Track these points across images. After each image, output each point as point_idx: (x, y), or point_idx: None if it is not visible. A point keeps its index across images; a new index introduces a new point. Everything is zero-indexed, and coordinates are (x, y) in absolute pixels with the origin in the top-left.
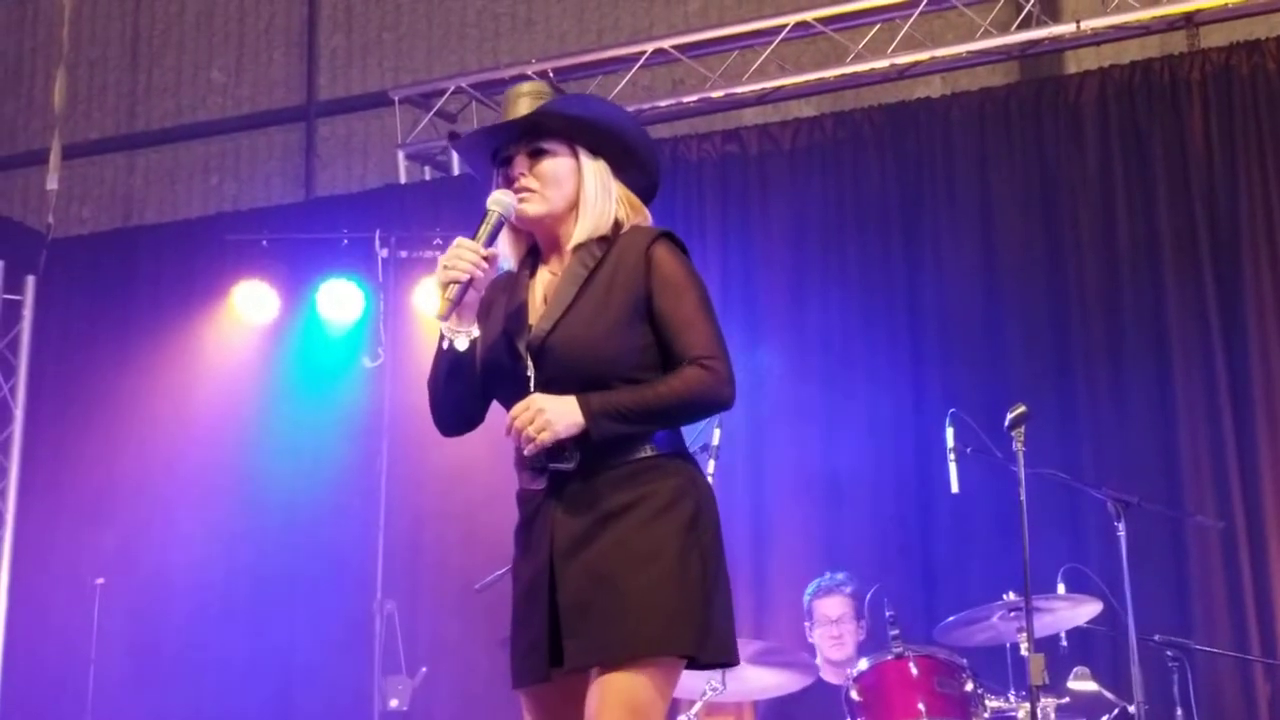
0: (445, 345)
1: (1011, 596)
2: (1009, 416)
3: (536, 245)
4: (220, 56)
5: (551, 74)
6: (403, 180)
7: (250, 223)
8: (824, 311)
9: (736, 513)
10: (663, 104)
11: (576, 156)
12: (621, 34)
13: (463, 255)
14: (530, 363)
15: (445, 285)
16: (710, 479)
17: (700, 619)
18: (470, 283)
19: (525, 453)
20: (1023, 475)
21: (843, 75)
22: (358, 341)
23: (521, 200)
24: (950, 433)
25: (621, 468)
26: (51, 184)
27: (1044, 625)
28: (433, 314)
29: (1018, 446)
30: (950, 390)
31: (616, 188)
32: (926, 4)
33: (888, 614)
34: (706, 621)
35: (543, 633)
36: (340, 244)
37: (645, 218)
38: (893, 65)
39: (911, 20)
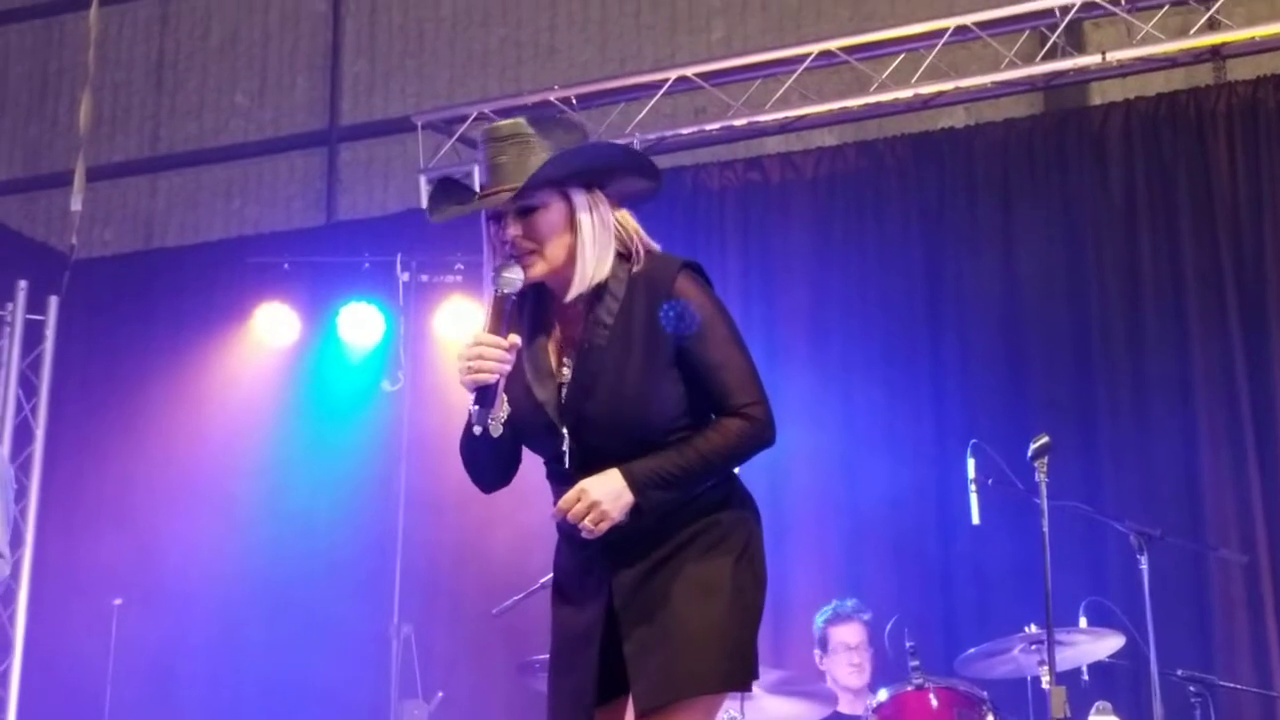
0: (479, 432)
1: (1033, 629)
2: (1032, 447)
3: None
4: (244, 81)
5: (574, 101)
6: (424, 205)
7: (272, 246)
8: (845, 341)
9: None
10: (685, 131)
11: (568, 199)
12: (644, 62)
13: (486, 354)
14: (567, 436)
15: (475, 388)
16: None
17: (750, 652)
18: (500, 378)
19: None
20: (1045, 506)
21: (866, 105)
22: (378, 365)
23: (526, 264)
24: (972, 463)
25: (665, 519)
26: (75, 205)
27: (1066, 658)
28: (467, 406)
29: (1040, 477)
30: (972, 421)
31: (613, 217)
32: (951, 34)
33: (908, 645)
34: (753, 654)
35: (590, 679)
36: (361, 268)
37: (650, 244)
38: (916, 95)
39: (935, 50)
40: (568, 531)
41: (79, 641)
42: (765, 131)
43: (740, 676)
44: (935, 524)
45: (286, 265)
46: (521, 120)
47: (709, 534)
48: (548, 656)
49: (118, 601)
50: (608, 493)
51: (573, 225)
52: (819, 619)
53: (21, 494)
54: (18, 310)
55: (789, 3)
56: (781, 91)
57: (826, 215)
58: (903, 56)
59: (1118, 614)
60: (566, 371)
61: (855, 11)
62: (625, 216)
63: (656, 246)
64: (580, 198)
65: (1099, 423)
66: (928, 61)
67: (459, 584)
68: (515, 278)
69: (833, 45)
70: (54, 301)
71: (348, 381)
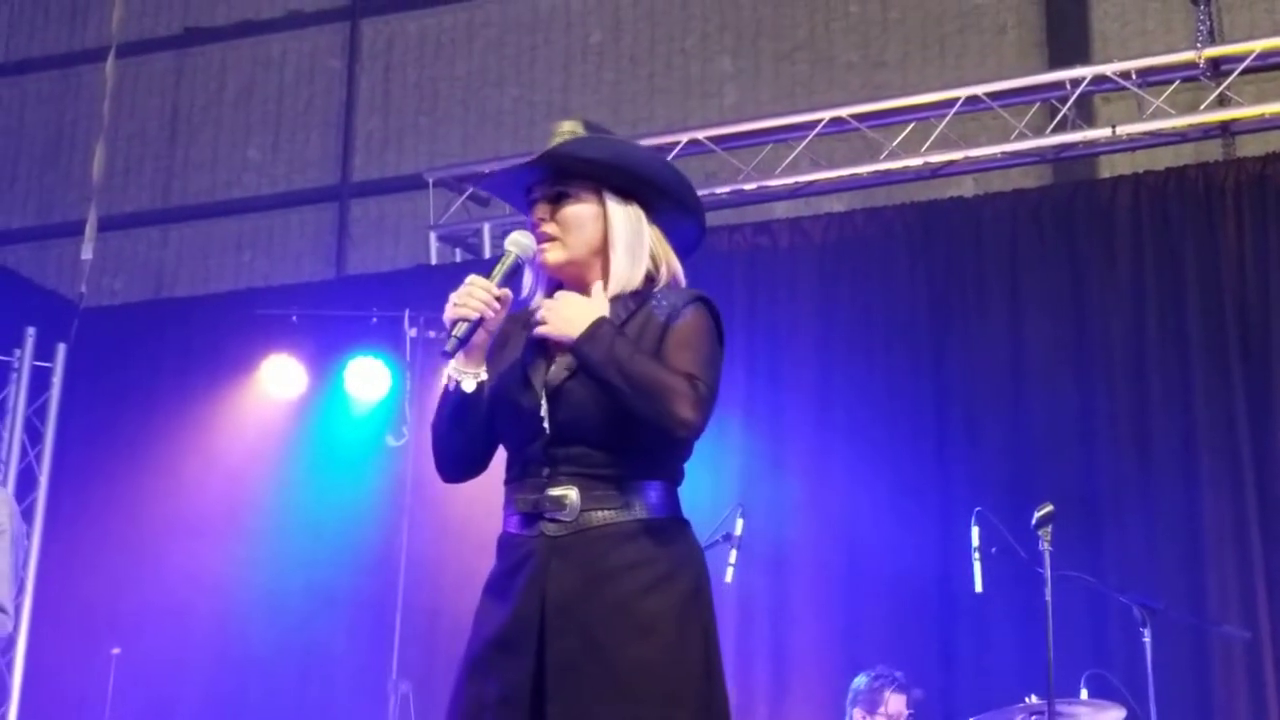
0: (451, 386)
1: (1034, 699)
2: (1036, 515)
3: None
4: (258, 135)
5: None
6: (434, 261)
7: (281, 298)
8: (850, 408)
9: (758, 605)
10: None
11: (603, 201)
12: (656, 125)
13: (474, 293)
14: (545, 402)
15: (454, 323)
16: (731, 569)
17: (700, 701)
18: (480, 322)
19: (536, 332)
20: (1049, 576)
21: (876, 172)
22: (383, 420)
23: (542, 247)
24: (975, 532)
25: (620, 526)
26: (86, 254)
27: None
28: (440, 351)
29: (1044, 546)
30: (976, 489)
31: (651, 234)
32: (961, 104)
33: (911, 690)
34: (709, 703)
35: (526, 687)
36: (369, 322)
37: (678, 271)
38: (926, 164)
39: (946, 120)
40: (514, 510)
41: (77, 690)
42: (775, 196)
43: None
44: (937, 592)
45: (295, 318)
46: (581, 122)
47: (650, 569)
48: (463, 660)
49: (116, 651)
50: (572, 310)
51: (604, 225)
52: (869, 679)
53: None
54: (25, 357)
55: (801, 70)
56: (792, 157)
57: (833, 281)
58: (913, 125)
59: (1119, 686)
60: (560, 359)
61: (867, 80)
62: (661, 239)
63: (684, 282)
64: (615, 202)
65: (1103, 493)
66: (938, 131)
67: (458, 643)
68: (527, 243)
69: (844, 112)
70: (62, 349)
71: (352, 435)
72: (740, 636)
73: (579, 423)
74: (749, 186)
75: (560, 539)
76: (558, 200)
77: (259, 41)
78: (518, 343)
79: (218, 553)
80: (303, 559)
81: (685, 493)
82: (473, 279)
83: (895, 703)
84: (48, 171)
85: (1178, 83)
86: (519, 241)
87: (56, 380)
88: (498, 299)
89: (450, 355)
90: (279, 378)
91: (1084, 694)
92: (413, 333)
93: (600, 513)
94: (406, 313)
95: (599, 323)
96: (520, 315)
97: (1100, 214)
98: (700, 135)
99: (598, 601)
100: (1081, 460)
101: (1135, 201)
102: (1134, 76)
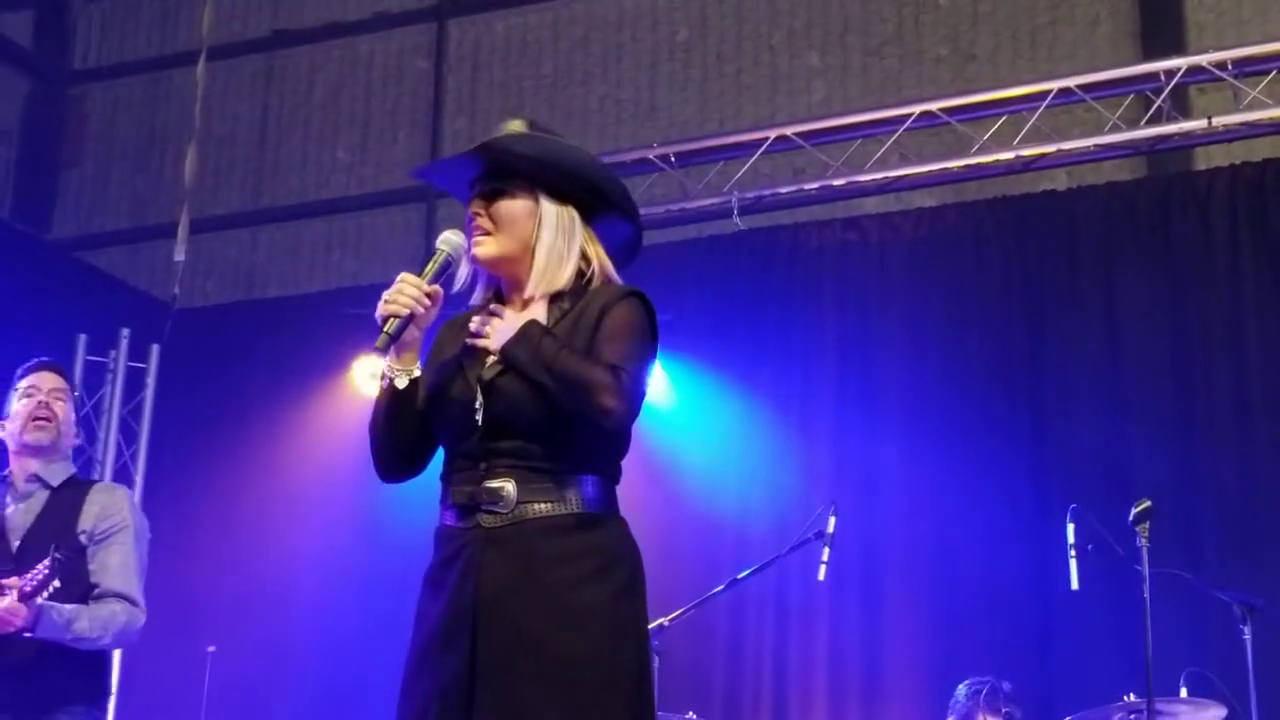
0: (385, 384)
1: (1132, 698)
2: (1133, 512)
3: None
4: (346, 137)
5: (673, 158)
6: None
7: (370, 297)
8: (943, 404)
9: (850, 603)
10: (784, 191)
11: (537, 200)
12: (744, 121)
13: (405, 290)
14: (480, 397)
15: (384, 319)
16: (824, 566)
17: (631, 694)
18: (410, 319)
19: (467, 340)
20: (1147, 573)
21: (966, 166)
22: None
23: (475, 240)
24: (1071, 529)
25: (557, 518)
26: (179, 256)
27: None
28: (369, 349)
29: (1142, 542)
30: (1072, 485)
31: (584, 235)
32: (1054, 97)
33: (1004, 710)
34: (640, 697)
35: (463, 680)
36: None
37: (611, 271)
38: (1018, 157)
39: (1038, 113)
40: (449, 502)
41: (173, 688)
42: (864, 192)
43: (611, 716)
44: (1033, 589)
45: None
46: (526, 121)
47: (585, 561)
48: (408, 657)
49: (212, 649)
50: (506, 324)
51: (536, 224)
52: (967, 691)
53: None
54: (120, 358)
55: (889, 64)
56: (881, 152)
57: (925, 277)
58: (1004, 118)
59: (1219, 685)
60: (490, 358)
61: (956, 74)
62: (593, 240)
63: (618, 281)
64: (549, 201)
65: (1202, 489)
66: (1030, 124)
67: None
68: (457, 240)
69: (934, 106)
70: (155, 350)
71: None
72: (833, 634)
73: (513, 416)
74: (838, 182)
75: (496, 530)
76: (493, 196)
77: (347, 43)
78: (455, 347)
79: (311, 550)
80: (395, 556)
81: (777, 491)
82: (404, 277)
83: None
84: (140, 175)
85: (1274, 73)
86: (450, 240)
87: (150, 380)
88: (428, 295)
89: (382, 351)
90: (369, 377)
91: (1184, 692)
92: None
93: (537, 505)
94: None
95: (528, 325)
96: (458, 320)
97: (1196, 206)
98: (788, 131)
99: (530, 592)
100: (1179, 456)
101: (1232, 193)
102: (1230, 67)
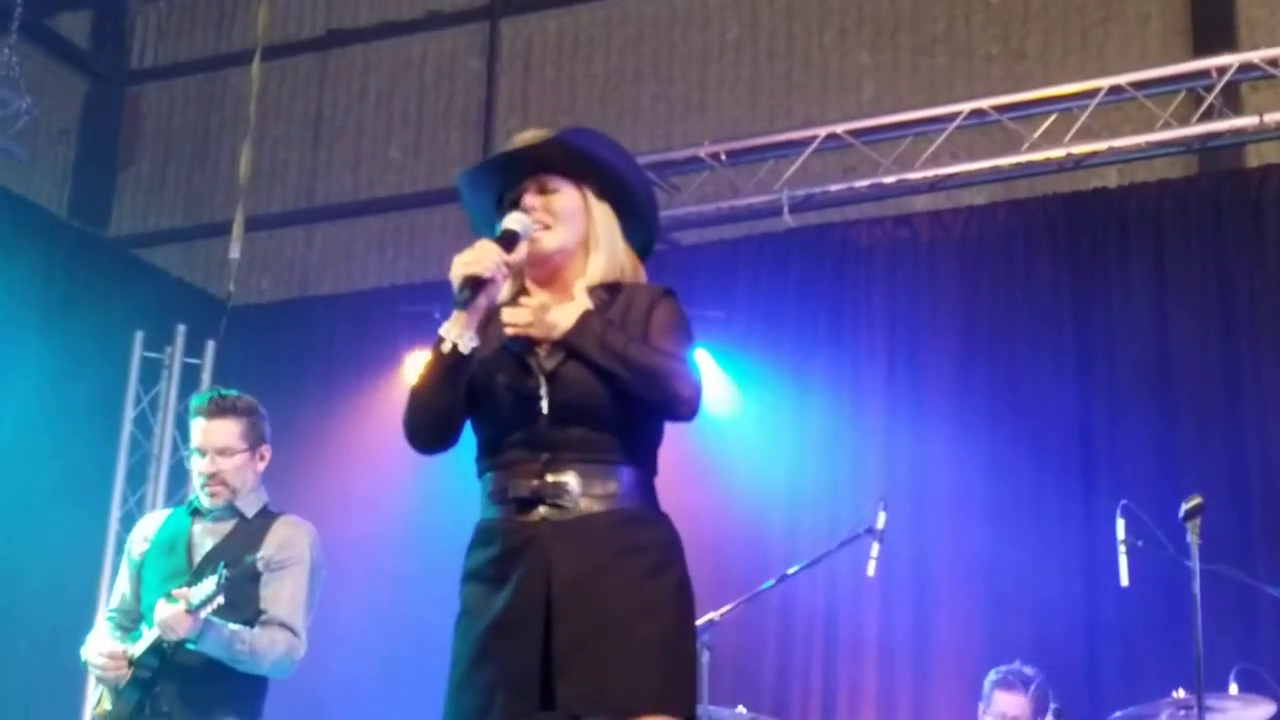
0: (446, 349)
1: (1181, 694)
2: (1184, 508)
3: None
4: (399, 136)
5: (724, 157)
6: None
7: (424, 295)
8: (993, 401)
9: (899, 598)
10: (834, 189)
11: (585, 197)
12: (794, 120)
13: (487, 253)
14: (545, 383)
15: (465, 279)
16: (873, 562)
17: (693, 684)
18: (487, 284)
19: (508, 331)
20: (1197, 569)
21: (1017, 164)
22: None
23: (537, 233)
24: (1121, 524)
25: (618, 512)
26: (234, 253)
27: None
28: (444, 320)
29: (1192, 539)
30: (1122, 482)
31: (622, 240)
32: (1105, 95)
33: (1053, 707)
34: (695, 688)
35: (535, 670)
36: None
37: (641, 274)
38: (1069, 155)
39: (1089, 111)
40: (505, 497)
41: None
42: (915, 190)
43: (679, 704)
44: (1083, 585)
45: (437, 314)
46: (543, 130)
47: (648, 554)
48: (457, 651)
49: None
50: (555, 313)
51: (586, 220)
52: (992, 675)
53: None
54: (176, 354)
55: (940, 63)
56: (931, 150)
57: (975, 275)
58: (1055, 116)
59: (1270, 682)
60: (544, 347)
61: (1007, 72)
62: (626, 246)
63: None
64: (595, 200)
65: (1252, 485)
66: (1080, 121)
67: None
68: (528, 221)
69: (984, 104)
70: (211, 346)
71: None
72: (883, 629)
73: (579, 406)
74: (888, 180)
75: (562, 524)
76: (545, 194)
77: (399, 43)
78: (496, 334)
79: (363, 545)
80: (448, 552)
81: (827, 488)
82: (483, 242)
83: (1005, 703)
84: (196, 173)
85: None
86: (520, 219)
87: (206, 377)
88: (507, 263)
89: (463, 307)
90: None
91: (1233, 688)
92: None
93: (598, 500)
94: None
95: (586, 315)
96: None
97: (1248, 204)
98: (839, 129)
99: (605, 584)
100: (1229, 452)
101: None
102: None
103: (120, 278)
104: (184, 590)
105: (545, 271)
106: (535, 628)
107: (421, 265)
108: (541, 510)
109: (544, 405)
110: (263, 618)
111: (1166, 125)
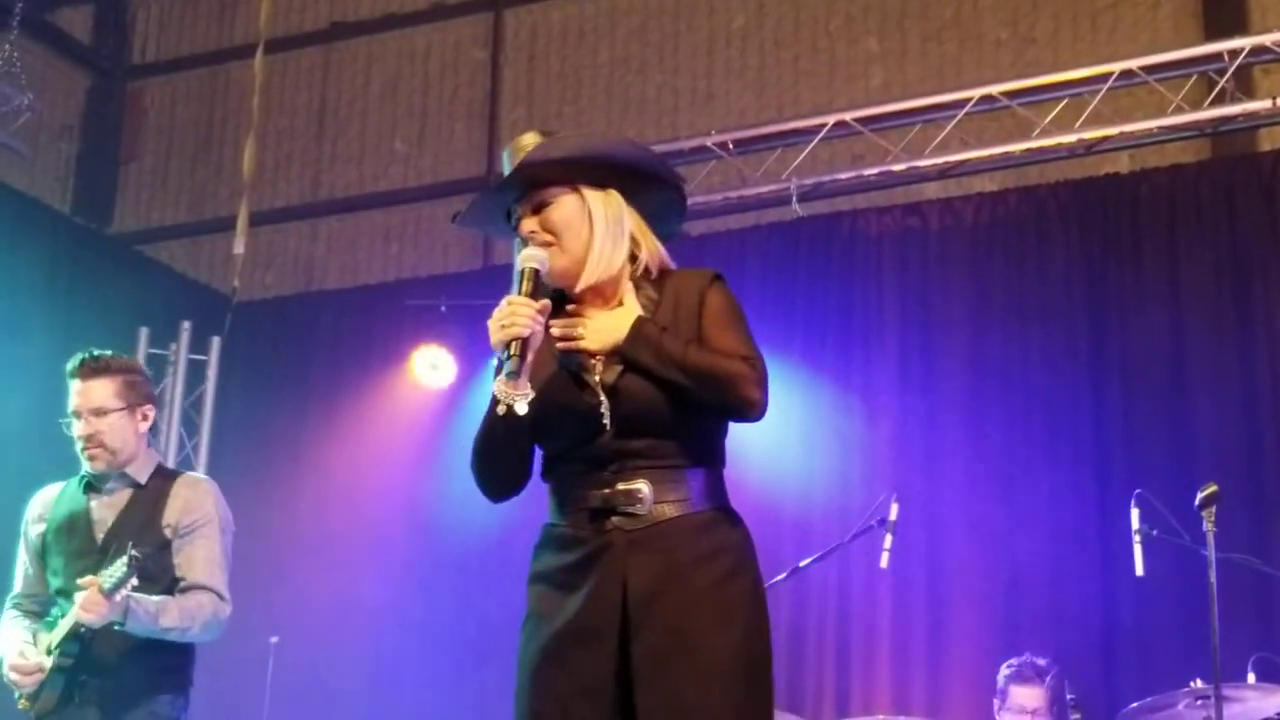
0: (502, 410)
1: (1199, 684)
2: (1199, 496)
3: (557, 297)
4: (404, 128)
5: (731, 146)
6: None
7: (429, 289)
8: (1005, 390)
9: (913, 590)
10: (843, 177)
11: (582, 196)
12: (802, 108)
13: (519, 311)
14: (605, 400)
15: (507, 344)
16: (886, 554)
17: (770, 689)
18: (529, 339)
19: (559, 345)
20: (1213, 558)
21: (1028, 150)
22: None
23: (547, 253)
24: (1136, 514)
25: (691, 518)
26: (238, 249)
27: (1233, 715)
28: (497, 380)
29: (1208, 527)
30: (1136, 470)
31: (631, 217)
32: (1116, 79)
33: (1069, 698)
34: (772, 693)
35: (610, 680)
36: None
37: (661, 251)
38: (1080, 141)
39: (1100, 96)
40: (577, 505)
41: (237, 679)
42: (924, 177)
43: (757, 712)
44: (1098, 575)
45: (444, 308)
46: (533, 134)
47: (723, 559)
48: (524, 655)
49: (274, 640)
50: (606, 322)
51: (587, 221)
52: (1005, 670)
53: None
54: (181, 350)
55: (949, 49)
56: (941, 137)
57: (986, 262)
58: (1066, 101)
59: None
60: (599, 360)
61: (1017, 57)
62: (640, 223)
63: (671, 265)
64: (593, 192)
65: (1267, 472)
66: (1091, 107)
67: None
68: (540, 254)
69: (994, 90)
70: (216, 342)
71: None
72: (896, 621)
73: (643, 416)
74: (898, 168)
75: (636, 532)
76: (540, 210)
77: (403, 34)
78: (545, 355)
79: (371, 541)
80: (456, 545)
81: (839, 479)
82: (511, 298)
83: (1021, 696)
84: (199, 168)
85: None
86: (534, 255)
87: (211, 373)
88: (539, 311)
89: (517, 376)
90: (429, 368)
91: (1251, 678)
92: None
93: (671, 505)
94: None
95: (639, 324)
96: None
97: (1261, 188)
98: (847, 117)
99: (680, 592)
100: (1245, 440)
101: None
102: None
103: (124, 274)
104: (92, 579)
105: (570, 282)
106: (610, 638)
107: (427, 258)
108: (614, 519)
109: (606, 421)
110: (181, 585)
111: (1178, 109)
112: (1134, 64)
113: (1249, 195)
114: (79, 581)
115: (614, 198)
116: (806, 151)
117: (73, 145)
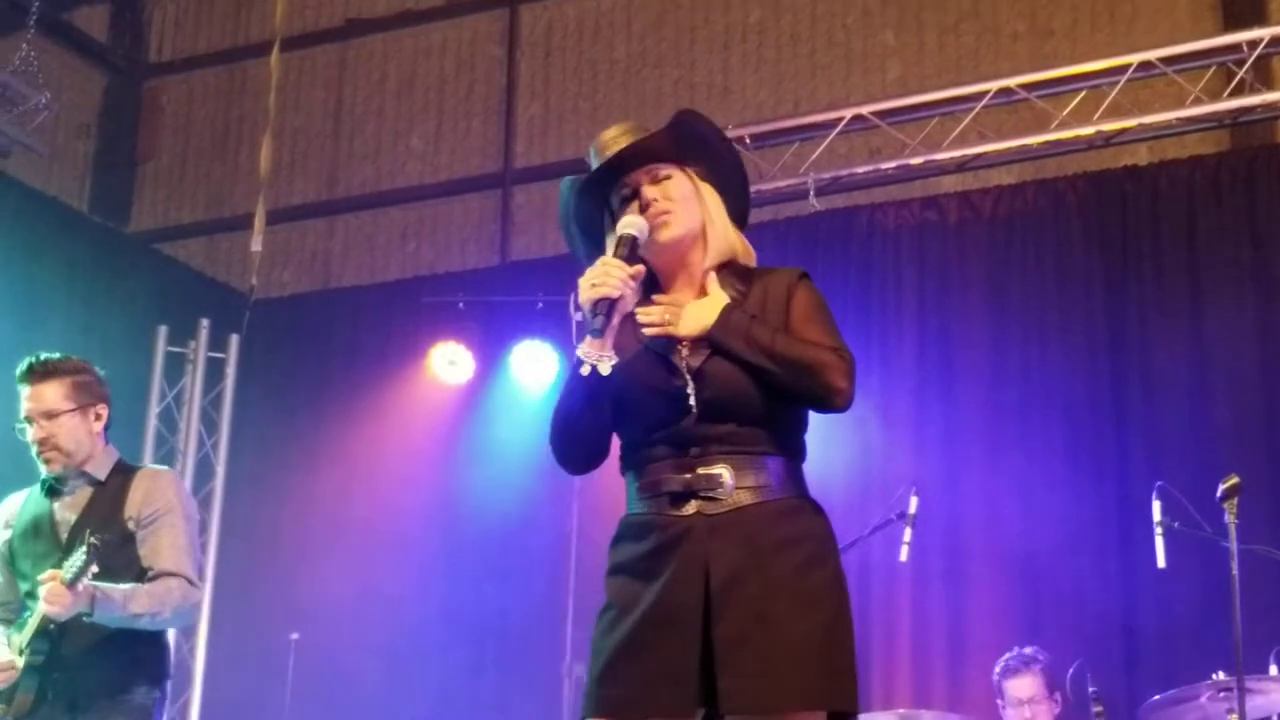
0: (586, 372)
1: (1221, 676)
2: (1221, 488)
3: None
4: (420, 125)
5: (748, 141)
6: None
7: (447, 286)
8: (1024, 383)
9: (932, 583)
10: (860, 171)
11: (694, 181)
12: (819, 103)
13: (611, 272)
14: (691, 382)
15: (595, 304)
16: (905, 547)
17: (854, 677)
18: (617, 301)
19: (646, 332)
20: (1235, 550)
21: (1046, 142)
22: (551, 405)
23: (660, 223)
24: (1157, 506)
25: (772, 504)
26: (255, 247)
27: (1255, 707)
28: (580, 339)
29: (1230, 519)
30: (1157, 462)
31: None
32: (1134, 71)
33: (1091, 690)
34: (856, 680)
35: (694, 665)
36: (535, 307)
37: (752, 252)
38: (1098, 133)
39: (1118, 87)
40: (658, 490)
41: (257, 675)
42: (942, 170)
43: (844, 698)
44: (1119, 568)
45: (461, 305)
46: (632, 124)
47: (804, 546)
48: (605, 643)
49: (295, 636)
50: (695, 310)
51: (700, 202)
52: (995, 669)
53: (202, 529)
54: (200, 348)
55: (966, 41)
56: (959, 130)
57: (1005, 255)
58: (1084, 93)
59: None
60: (686, 345)
61: (1034, 50)
62: (731, 223)
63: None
64: (702, 183)
65: None
66: (1110, 98)
67: None
68: (641, 223)
69: (1012, 83)
70: (234, 340)
71: (521, 420)
72: (916, 615)
73: (728, 401)
74: (915, 161)
75: (717, 517)
76: (658, 182)
77: (419, 31)
78: (630, 333)
79: (391, 537)
80: (475, 541)
81: (860, 473)
82: (605, 260)
83: (1014, 689)
84: (216, 166)
85: None
86: (634, 222)
87: (230, 371)
88: (632, 276)
89: (600, 334)
90: (447, 364)
91: (1273, 670)
92: (578, 317)
93: (752, 490)
94: (572, 297)
95: (728, 310)
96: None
97: None
98: (864, 111)
99: (762, 577)
100: (1266, 431)
101: None
102: None
103: (142, 273)
104: (53, 572)
105: (670, 260)
106: (693, 623)
107: (444, 255)
108: (694, 504)
109: (692, 403)
110: (150, 574)
111: (1197, 101)
112: (1152, 55)
113: (1269, 186)
114: (39, 578)
115: (715, 193)
116: (824, 146)
117: (90, 144)
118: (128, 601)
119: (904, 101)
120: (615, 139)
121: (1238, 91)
